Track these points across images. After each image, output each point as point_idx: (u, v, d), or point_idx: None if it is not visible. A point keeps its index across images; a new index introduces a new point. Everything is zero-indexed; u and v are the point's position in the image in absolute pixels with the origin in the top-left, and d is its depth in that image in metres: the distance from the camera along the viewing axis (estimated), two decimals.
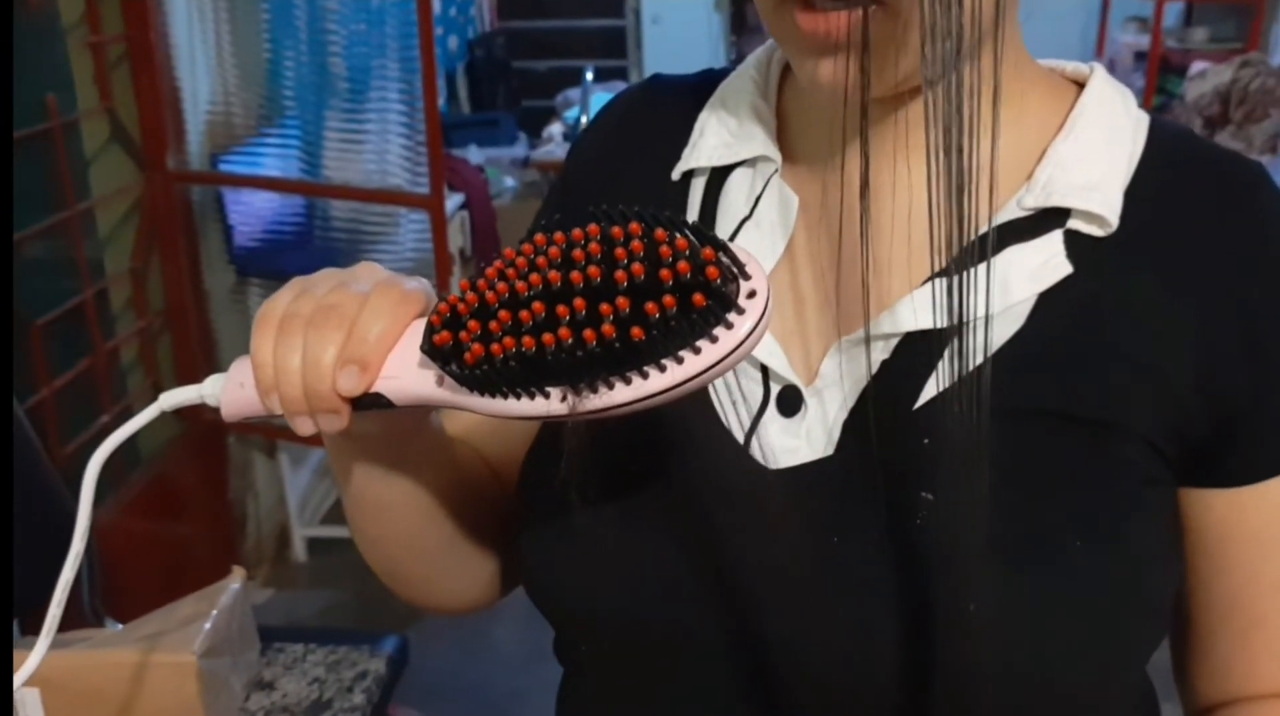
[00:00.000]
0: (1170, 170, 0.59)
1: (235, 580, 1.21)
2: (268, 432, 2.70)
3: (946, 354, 0.51)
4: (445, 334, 0.48)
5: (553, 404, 0.47)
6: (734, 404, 0.60)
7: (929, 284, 0.57)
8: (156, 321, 2.44)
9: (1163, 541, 0.59)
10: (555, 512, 0.63)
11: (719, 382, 0.60)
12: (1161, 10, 4.17)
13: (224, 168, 2.54)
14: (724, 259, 0.45)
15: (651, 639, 0.61)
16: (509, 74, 5.42)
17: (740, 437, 0.60)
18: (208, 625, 1.12)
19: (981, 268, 0.49)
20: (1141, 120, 0.61)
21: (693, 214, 0.65)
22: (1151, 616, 0.58)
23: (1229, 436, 0.58)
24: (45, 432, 1.94)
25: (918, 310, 0.57)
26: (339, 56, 2.44)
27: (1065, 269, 0.57)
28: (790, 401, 0.60)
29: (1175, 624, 0.64)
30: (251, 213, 2.60)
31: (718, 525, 0.59)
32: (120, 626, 1.35)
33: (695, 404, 0.60)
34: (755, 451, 0.59)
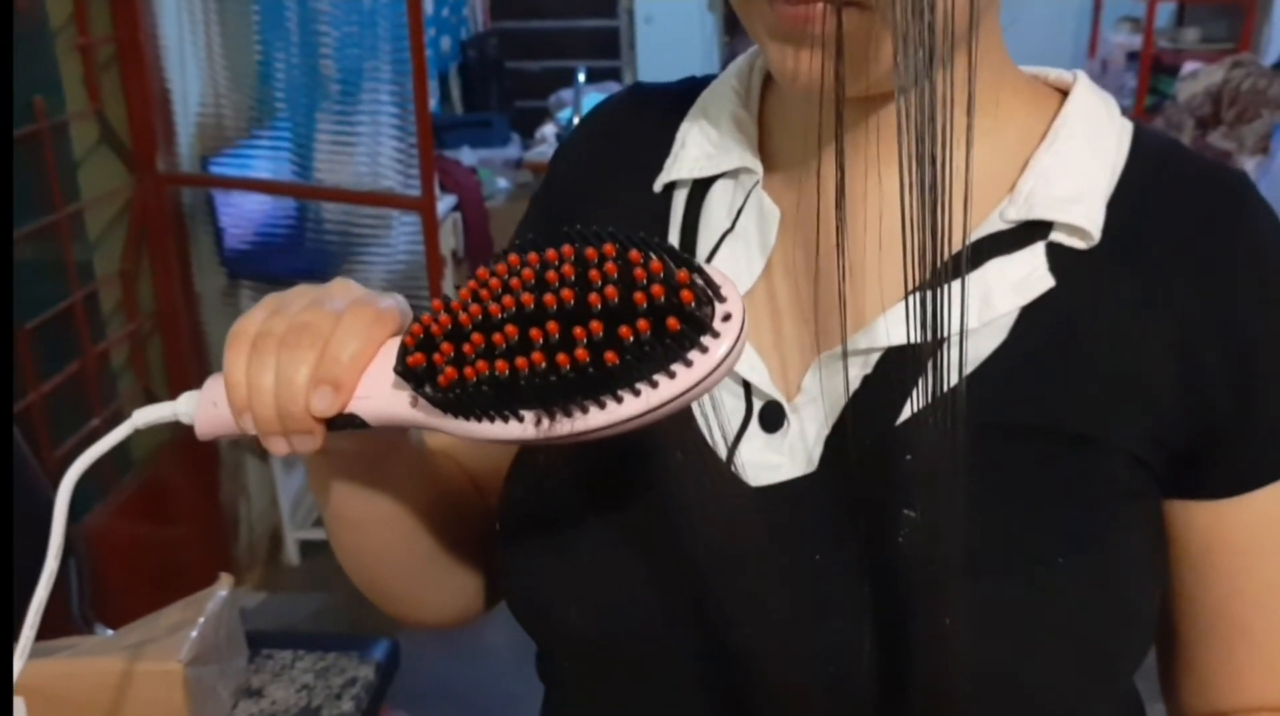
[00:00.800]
0: (1154, 180, 0.59)
1: (222, 587, 1.21)
2: None
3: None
4: (419, 355, 0.48)
5: (526, 428, 0.46)
6: (717, 420, 0.60)
7: (906, 298, 0.57)
8: (147, 324, 2.42)
9: (1146, 554, 0.59)
10: (537, 528, 0.62)
11: (702, 398, 0.60)
12: (1154, 11, 4.18)
13: (215, 170, 2.53)
14: (699, 282, 0.44)
15: (633, 655, 0.60)
16: (502, 75, 5.41)
17: (723, 454, 0.60)
18: (194, 632, 1.12)
19: (956, 283, 0.48)
20: (1125, 129, 0.60)
21: (675, 227, 0.65)
22: (1136, 629, 0.58)
23: (1212, 448, 0.57)
24: (34, 437, 1.93)
25: (893, 326, 0.56)
26: (330, 58, 2.43)
27: (1048, 282, 0.56)
28: (772, 417, 0.59)
29: (1161, 636, 0.64)
30: (242, 215, 2.59)
31: (700, 542, 0.58)
32: (110, 632, 1.35)
33: (678, 420, 0.59)
34: (738, 468, 0.59)
